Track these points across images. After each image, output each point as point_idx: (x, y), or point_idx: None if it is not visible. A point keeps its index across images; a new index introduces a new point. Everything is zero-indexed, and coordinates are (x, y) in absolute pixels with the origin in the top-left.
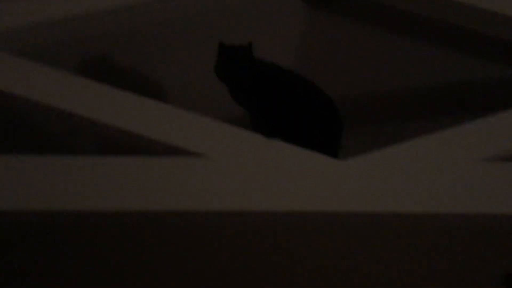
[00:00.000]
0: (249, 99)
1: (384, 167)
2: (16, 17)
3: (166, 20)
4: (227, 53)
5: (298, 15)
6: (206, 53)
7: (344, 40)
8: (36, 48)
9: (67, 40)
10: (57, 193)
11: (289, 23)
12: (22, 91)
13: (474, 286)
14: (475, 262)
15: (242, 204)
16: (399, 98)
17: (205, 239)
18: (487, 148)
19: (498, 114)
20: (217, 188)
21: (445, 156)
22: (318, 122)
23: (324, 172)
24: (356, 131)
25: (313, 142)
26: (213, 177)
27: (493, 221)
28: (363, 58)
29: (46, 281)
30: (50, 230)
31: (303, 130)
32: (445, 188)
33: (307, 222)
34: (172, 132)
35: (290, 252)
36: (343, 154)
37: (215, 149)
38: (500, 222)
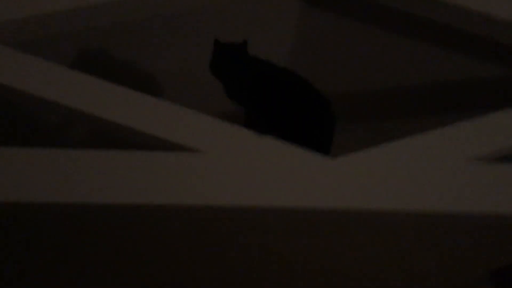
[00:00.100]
0: (244, 96)
1: (375, 166)
2: (11, 10)
3: (161, 16)
4: (222, 50)
5: (293, 12)
6: (201, 49)
7: (339, 38)
8: (31, 41)
9: (61, 34)
10: (51, 186)
11: (284, 20)
12: (17, 84)
13: (463, 282)
14: (464, 259)
15: (235, 200)
16: (393, 96)
17: (200, 234)
18: (478, 147)
19: (489, 114)
20: (211, 183)
21: (436, 156)
22: (310, 119)
23: (314, 169)
24: (349, 129)
25: (305, 139)
26: (207, 173)
27: (481, 220)
28: (357, 55)
29: (40, 273)
30: (43, 223)
31: (296, 127)
32: (435, 187)
33: (298, 218)
34: (167, 127)
35: (282, 248)
36: (336, 151)
37: (209, 145)
38: (489, 221)
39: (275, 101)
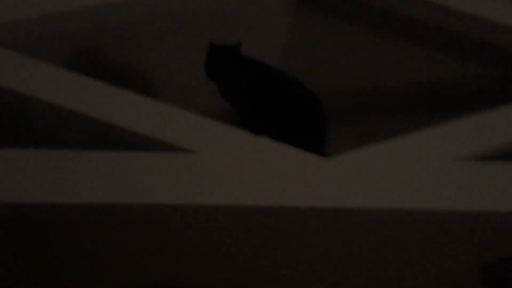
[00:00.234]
0: (237, 97)
1: (366, 165)
2: (7, 11)
3: (156, 17)
4: (216, 52)
5: (286, 13)
6: (194, 50)
7: (330, 38)
8: (24, 42)
9: (57, 35)
10: (43, 187)
11: (277, 21)
12: (11, 85)
13: (452, 277)
14: (453, 255)
15: (228, 199)
16: (385, 96)
17: (193, 234)
18: (467, 147)
19: (478, 114)
20: (205, 183)
21: (425, 155)
22: (303, 120)
23: (307, 169)
24: (341, 129)
25: (299, 139)
26: (200, 173)
27: (471, 217)
28: (349, 55)
29: (34, 272)
30: (37, 224)
31: (289, 127)
32: (424, 185)
33: (291, 217)
34: (161, 128)
35: (275, 248)
36: (328, 151)
37: (203, 145)
38: (478, 218)
39: (269, 101)
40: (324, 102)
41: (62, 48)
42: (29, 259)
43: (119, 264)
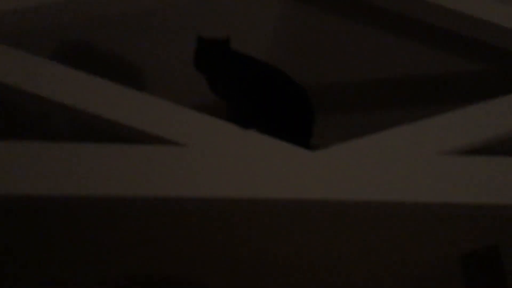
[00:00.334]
0: (226, 90)
1: (352, 158)
2: None
3: (143, 11)
4: (205, 46)
5: (274, 6)
6: (183, 43)
7: (319, 32)
8: (13, 35)
9: (46, 27)
10: (32, 178)
11: (265, 15)
12: (1, 77)
13: (433, 267)
14: (434, 246)
15: (217, 192)
16: (372, 89)
17: (182, 227)
18: (450, 141)
19: (462, 109)
20: (193, 176)
21: (409, 149)
22: (291, 113)
23: (295, 162)
24: (329, 122)
25: (287, 131)
26: (189, 166)
27: (449, 209)
28: (337, 49)
29: (28, 265)
30: (27, 215)
31: (276, 120)
32: (407, 178)
33: (280, 209)
34: (149, 121)
35: (265, 241)
36: (316, 144)
37: (191, 138)
38: (456, 210)
39: (257, 95)
40: (312, 96)
41: (52, 40)
42: (17, 250)
43: (108, 257)
